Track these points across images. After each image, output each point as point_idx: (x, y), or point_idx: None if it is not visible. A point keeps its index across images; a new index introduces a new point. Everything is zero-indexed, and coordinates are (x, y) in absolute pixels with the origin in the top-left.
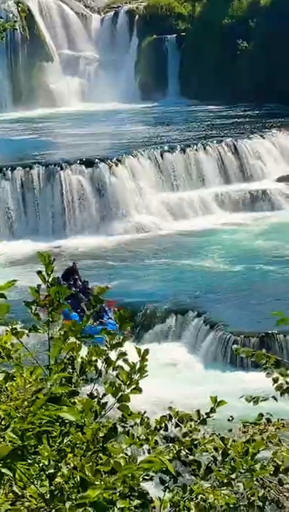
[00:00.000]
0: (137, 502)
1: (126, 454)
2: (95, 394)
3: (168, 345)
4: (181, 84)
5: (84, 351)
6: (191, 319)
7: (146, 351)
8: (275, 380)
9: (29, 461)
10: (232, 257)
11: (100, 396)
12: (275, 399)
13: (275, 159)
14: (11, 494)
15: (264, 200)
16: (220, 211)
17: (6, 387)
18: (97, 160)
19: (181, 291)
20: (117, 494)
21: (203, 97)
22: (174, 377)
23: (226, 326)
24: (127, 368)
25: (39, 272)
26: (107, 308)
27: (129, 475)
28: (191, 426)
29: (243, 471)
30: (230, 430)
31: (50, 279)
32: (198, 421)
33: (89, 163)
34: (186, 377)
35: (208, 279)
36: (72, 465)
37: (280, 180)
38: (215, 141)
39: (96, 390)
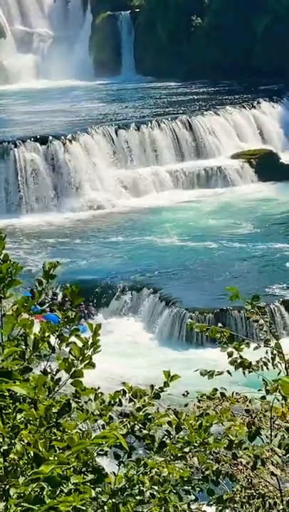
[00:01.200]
0: (91, 477)
1: (80, 430)
2: (49, 370)
3: (123, 322)
4: (135, 61)
5: (37, 328)
6: (146, 296)
7: (99, 326)
8: (230, 355)
9: None
10: (187, 234)
11: (54, 372)
12: (230, 373)
13: (229, 136)
14: None
15: (218, 176)
16: (174, 188)
17: None
18: (51, 137)
19: (136, 268)
20: (71, 469)
21: (158, 74)
22: (129, 353)
23: (181, 302)
24: (79, 343)
25: None
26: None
27: (83, 450)
28: (144, 401)
29: (196, 445)
30: (185, 405)
31: (1, 256)
32: (152, 396)
33: (43, 140)
34: (141, 352)
35: (163, 256)
36: (26, 441)
37: (234, 157)
38: (169, 118)
39: (49, 366)
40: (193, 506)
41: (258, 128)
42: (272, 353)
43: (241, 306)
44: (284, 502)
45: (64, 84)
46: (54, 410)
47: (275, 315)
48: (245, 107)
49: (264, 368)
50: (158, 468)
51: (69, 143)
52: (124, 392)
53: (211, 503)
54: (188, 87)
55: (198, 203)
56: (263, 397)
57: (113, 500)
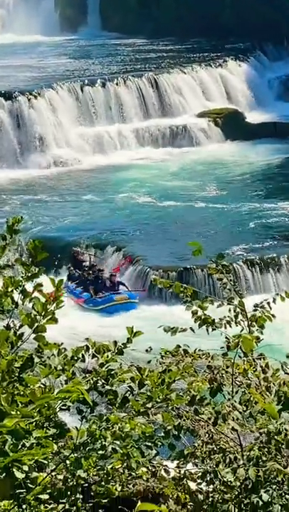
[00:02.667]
0: (53, 431)
1: (42, 385)
2: (12, 325)
3: None
4: (102, 17)
5: None
6: (110, 253)
7: (61, 282)
8: (194, 313)
9: None
10: (151, 192)
11: (17, 327)
12: (193, 330)
13: (195, 95)
14: None
15: (184, 135)
16: (140, 146)
17: None
18: (16, 93)
19: (100, 225)
20: (34, 424)
21: (124, 31)
22: (93, 310)
23: (145, 260)
24: (42, 298)
25: None
26: (117, 280)
27: (46, 405)
28: (108, 356)
29: (159, 400)
30: (148, 362)
31: None
32: (116, 351)
33: (8, 95)
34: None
35: (127, 215)
36: None
37: (200, 115)
38: (135, 76)
39: (13, 321)
40: (154, 461)
41: (224, 87)
42: (234, 310)
43: (205, 265)
44: (244, 457)
45: (29, 39)
46: (17, 365)
47: (239, 274)
48: (211, 66)
49: (228, 326)
50: (120, 424)
51: (34, 99)
52: (88, 348)
53: (173, 458)
54: (154, 45)
55: (163, 162)
56: (225, 354)
57: (75, 454)
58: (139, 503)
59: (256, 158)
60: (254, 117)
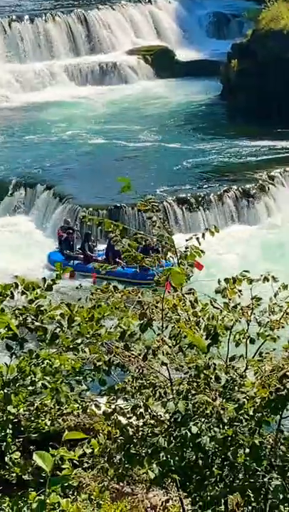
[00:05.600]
0: None
1: None
2: None
3: (17, 219)
4: None
5: None
6: (40, 192)
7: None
8: (125, 250)
9: None
10: (81, 130)
11: None
12: (123, 267)
13: (124, 31)
14: None
15: (113, 72)
16: (69, 83)
17: None
18: None
19: (30, 164)
20: None
21: None
22: (23, 250)
23: (75, 199)
24: None
25: None
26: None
27: None
28: (37, 293)
29: (88, 336)
30: (79, 299)
31: None
32: (45, 288)
33: None
34: (35, 249)
35: (57, 153)
36: None
37: (129, 53)
38: (64, 12)
39: None
40: (85, 397)
41: (154, 24)
42: (164, 247)
43: (135, 203)
44: (174, 391)
45: None
46: None
47: (168, 212)
48: (141, 2)
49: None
50: (50, 360)
51: None
52: (17, 285)
53: (103, 392)
54: None
55: (93, 99)
56: (155, 290)
57: (5, 390)
58: (66, 432)
59: (186, 95)
60: (184, 54)
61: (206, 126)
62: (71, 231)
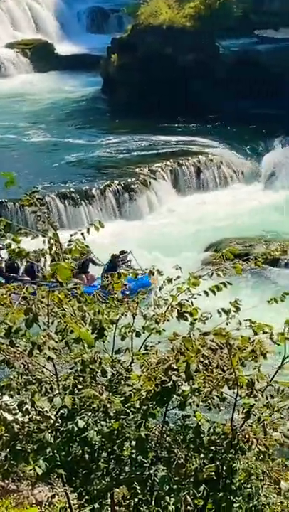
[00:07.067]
0: None
1: None
2: None
3: None
4: None
5: None
6: None
7: None
8: (8, 246)
9: None
10: None
11: None
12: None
13: (3, 24)
14: None
15: None
16: None
17: None
18: None
19: None
20: None
21: None
22: None
23: None
24: None
25: None
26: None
27: None
28: None
29: None
30: None
31: None
32: None
33: None
34: None
35: None
36: None
37: (8, 46)
38: None
39: None
40: None
41: (33, 18)
42: (49, 242)
43: (17, 198)
44: (60, 386)
45: None
46: None
47: (50, 207)
48: None
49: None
50: None
51: None
52: None
53: None
54: None
55: None
56: (41, 285)
57: None
58: None
59: (66, 90)
60: (64, 49)
61: (87, 121)
62: None
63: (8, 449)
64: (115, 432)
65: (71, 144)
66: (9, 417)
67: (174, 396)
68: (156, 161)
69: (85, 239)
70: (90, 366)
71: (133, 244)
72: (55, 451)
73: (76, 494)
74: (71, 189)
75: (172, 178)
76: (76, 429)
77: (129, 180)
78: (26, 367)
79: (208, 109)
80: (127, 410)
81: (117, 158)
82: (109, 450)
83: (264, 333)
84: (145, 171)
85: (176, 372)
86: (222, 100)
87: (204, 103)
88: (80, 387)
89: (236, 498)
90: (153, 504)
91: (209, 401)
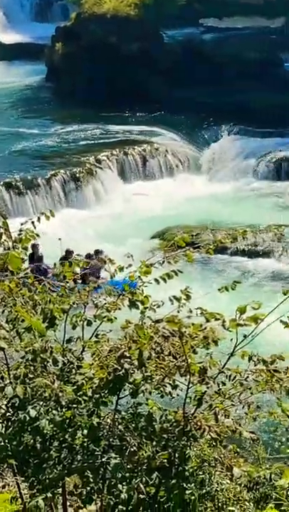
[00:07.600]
0: None
1: None
2: None
3: None
4: None
5: None
6: None
7: None
8: None
9: None
10: None
11: None
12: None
13: None
14: None
15: None
16: None
17: None
18: None
19: None
20: None
21: None
22: None
23: None
24: None
25: None
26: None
27: None
28: None
29: None
30: None
31: None
32: None
33: None
34: None
35: None
36: None
37: None
38: None
39: None
40: None
41: None
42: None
43: None
44: (11, 375)
45: None
46: None
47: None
48: None
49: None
50: None
51: None
52: None
53: None
54: None
55: None
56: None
57: None
58: None
59: (10, 79)
60: (7, 38)
61: (32, 110)
62: None
63: None
64: (67, 420)
65: (16, 134)
66: None
67: (126, 384)
68: (102, 150)
69: (35, 227)
70: (41, 355)
71: (81, 233)
72: (7, 440)
73: (27, 484)
74: (16, 178)
75: (118, 167)
76: (28, 418)
77: (74, 169)
78: None
79: (154, 98)
80: (79, 399)
81: (63, 147)
82: (61, 439)
83: (216, 319)
84: (91, 160)
85: (128, 360)
86: (167, 89)
87: (149, 92)
88: (31, 376)
89: (189, 485)
90: (105, 492)
91: (161, 388)
